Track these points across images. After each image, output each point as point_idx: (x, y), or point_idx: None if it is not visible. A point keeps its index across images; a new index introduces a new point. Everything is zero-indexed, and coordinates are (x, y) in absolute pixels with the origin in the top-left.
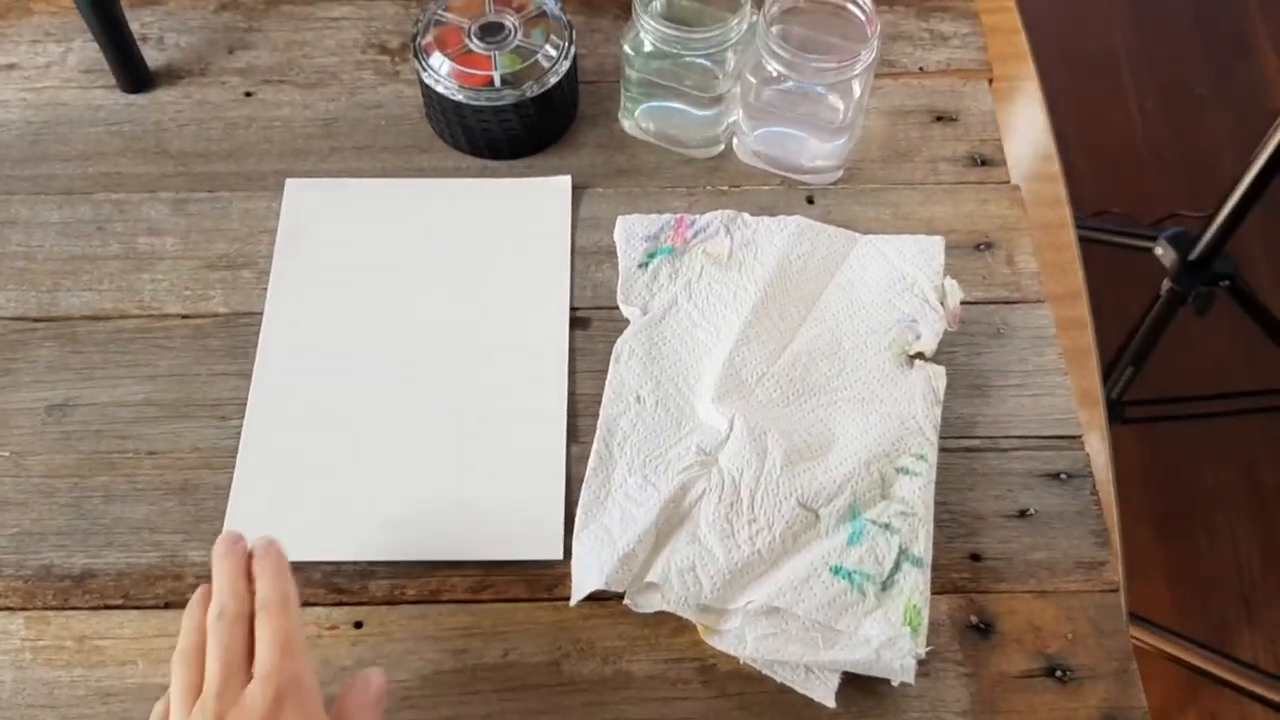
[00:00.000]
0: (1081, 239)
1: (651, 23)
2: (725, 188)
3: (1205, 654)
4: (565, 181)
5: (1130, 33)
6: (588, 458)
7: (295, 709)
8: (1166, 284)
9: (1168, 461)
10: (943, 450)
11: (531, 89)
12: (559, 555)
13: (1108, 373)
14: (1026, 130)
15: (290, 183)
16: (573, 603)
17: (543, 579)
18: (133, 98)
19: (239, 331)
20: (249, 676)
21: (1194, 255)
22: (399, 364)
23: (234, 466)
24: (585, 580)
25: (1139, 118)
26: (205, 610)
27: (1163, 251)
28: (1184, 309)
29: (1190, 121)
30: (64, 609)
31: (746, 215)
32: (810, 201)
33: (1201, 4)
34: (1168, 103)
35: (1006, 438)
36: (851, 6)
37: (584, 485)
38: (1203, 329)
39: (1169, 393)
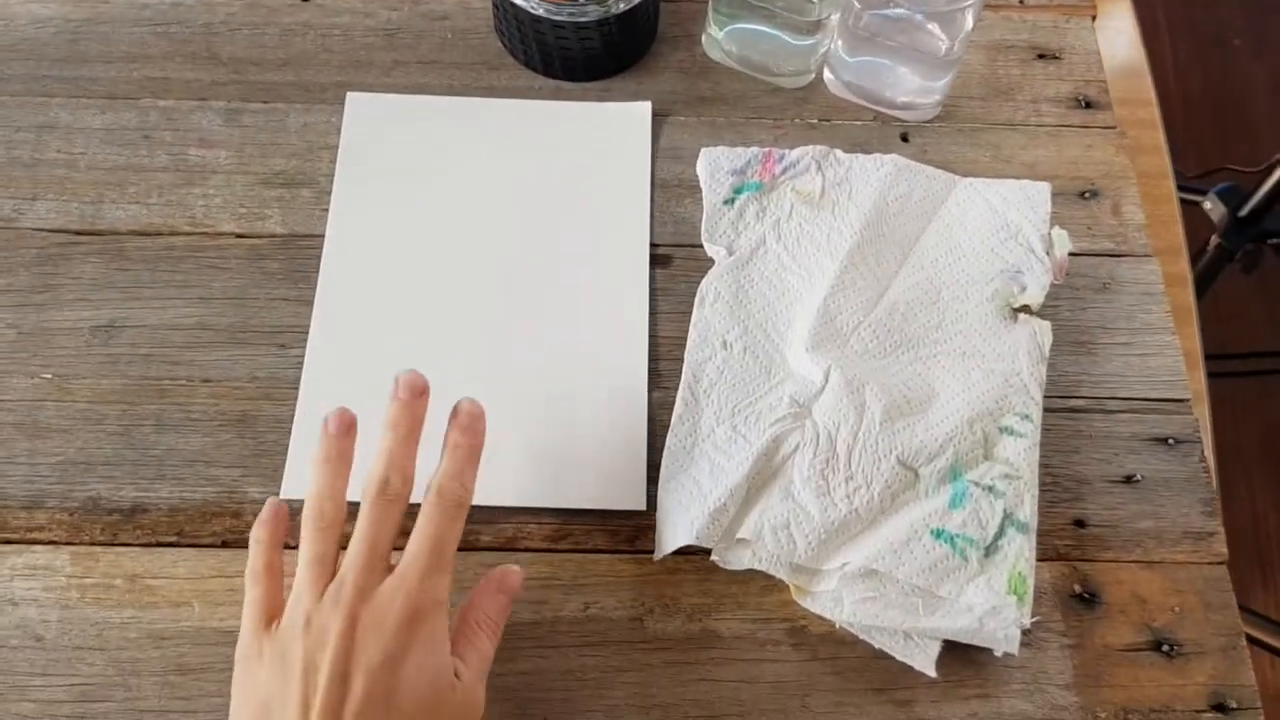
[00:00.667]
0: None
1: None
2: (815, 121)
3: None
4: (645, 108)
5: None
6: (671, 404)
7: (425, 636)
8: (1215, 239)
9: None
10: (1046, 410)
11: (617, 5)
12: (641, 506)
13: None
14: (1123, 72)
15: (352, 96)
16: (657, 557)
17: (624, 530)
18: None
19: (299, 254)
20: (390, 567)
21: (1244, 211)
22: (468, 297)
23: (296, 399)
24: (673, 534)
25: (1172, 68)
26: (334, 481)
27: (1211, 206)
28: (1230, 265)
29: (1225, 73)
30: (113, 545)
31: (839, 152)
32: (905, 139)
33: None
34: (1201, 54)
35: (1113, 399)
36: None
37: (669, 434)
38: (1239, 287)
39: (1208, 350)
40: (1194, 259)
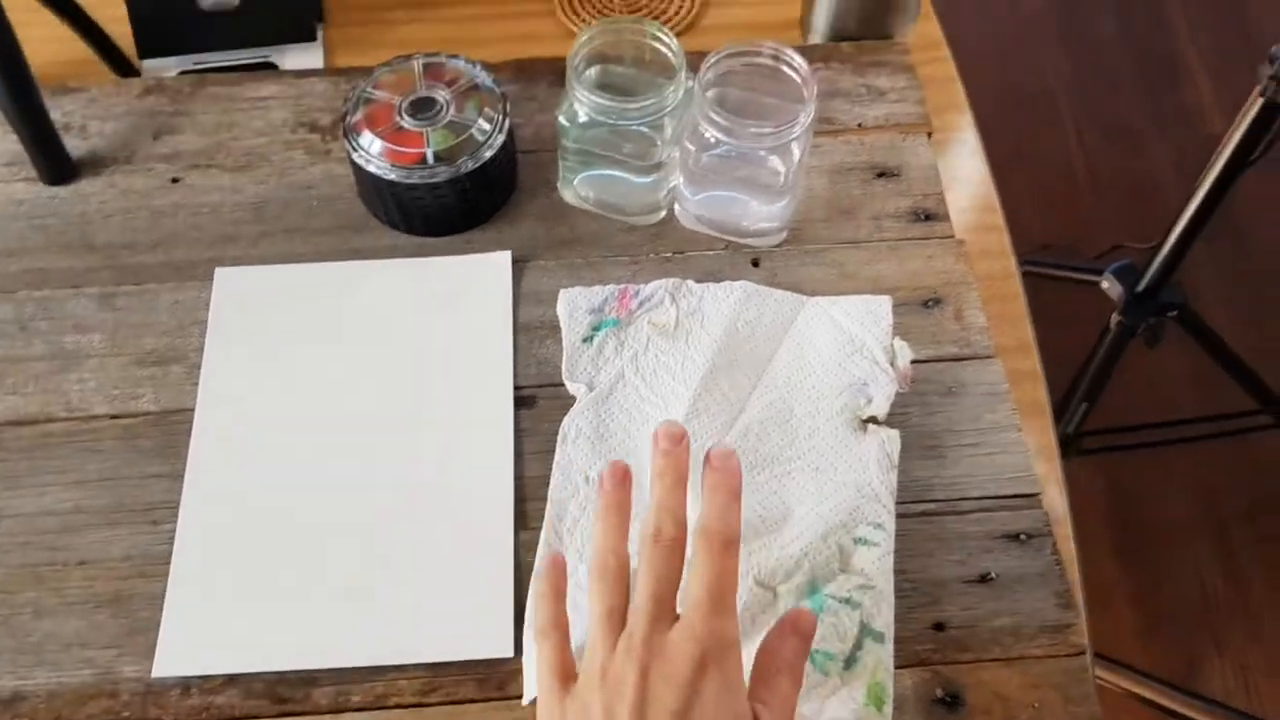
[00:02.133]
0: (1028, 274)
1: (585, 93)
2: (669, 254)
3: (1173, 694)
4: (505, 257)
5: (1065, 66)
6: (537, 545)
7: (717, 676)
8: (1115, 317)
9: (1128, 492)
10: (901, 516)
11: (466, 164)
12: (509, 652)
13: (1062, 408)
14: (967, 181)
15: (220, 271)
16: (525, 701)
17: (493, 677)
18: (56, 189)
19: (171, 430)
20: (675, 616)
21: (1141, 287)
22: (338, 457)
23: (168, 574)
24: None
25: (1079, 150)
26: (616, 534)
27: (1109, 285)
28: (1135, 340)
29: (1130, 152)
30: None
31: (691, 282)
32: (756, 264)
33: (1132, 36)
34: (1107, 134)
35: (964, 499)
36: (786, 69)
37: (533, 575)
38: (1156, 357)
39: (1126, 422)
40: (1099, 338)
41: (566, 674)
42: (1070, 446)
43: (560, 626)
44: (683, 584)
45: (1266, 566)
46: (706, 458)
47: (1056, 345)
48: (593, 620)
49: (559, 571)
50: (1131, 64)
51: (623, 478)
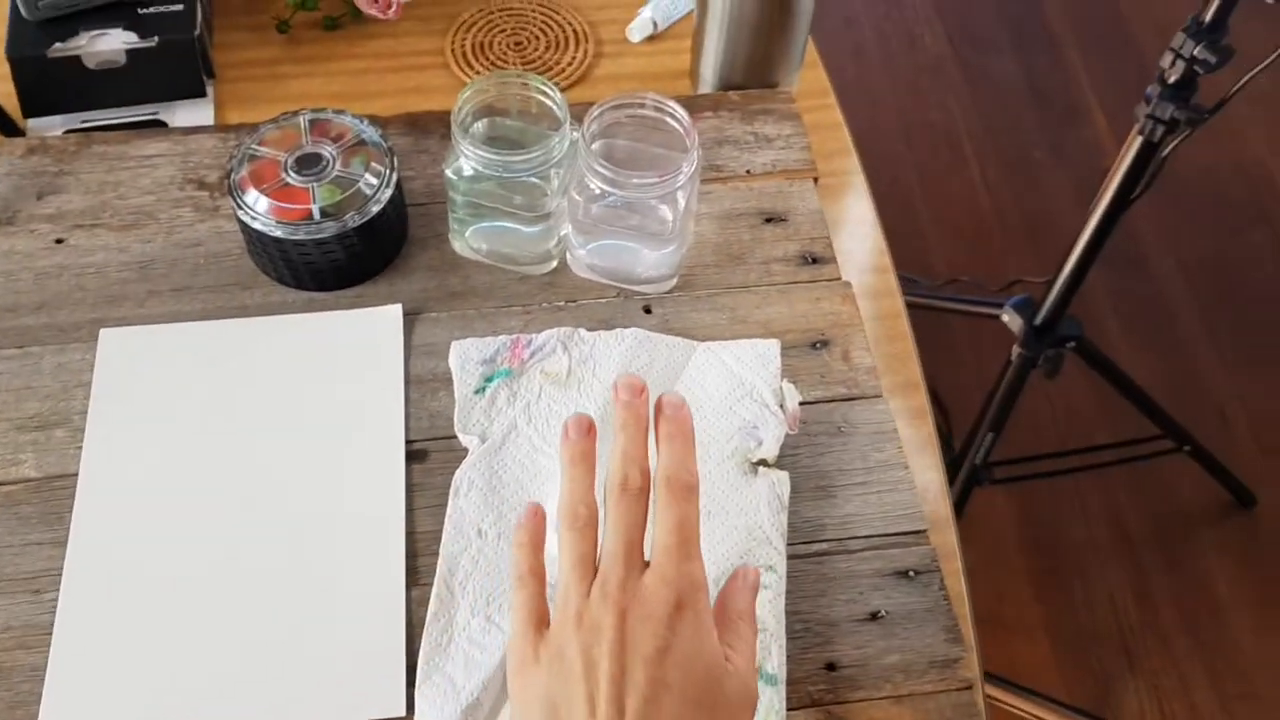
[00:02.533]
0: (934, 309)
1: (470, 147)
2: (562, 303)
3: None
4: (395, 310)
5: (968, 104)
6: (429, 601)
7: (691, 617)
8: (1016, 349)
9: (1038, 519)
10: (793, 557)
11: (353, 219)
12: (400, 712)
13: (970, 438)
14: (857, 223)
15: (104, 333)
16: None
17: None
18: None
19: (53, 496)
20: (645, 562)
21: (1039, 320)
22: (225, 520)
23: (50, 644)
24: None
25: (983, 185)
26: (584, 485)
27: (1009, 318)
28: (1034, 372)
29: (1030, 187)
30: None
31: (583, 331)
32: (648, 311)
33: (1033, 76)
34: (1008, 170)
35: (853, 538)
36: (670, 120)
37: (424, 632)
38: (1061, 385)
39: (1034, 450)
40: (1001, 371)
41: (541, 619)
42: (980, 476)
43: (538, 574)
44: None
45: (1175, 588)
46: (658, 406)
47: (966, 376)
48: (564, 569)
49: (539, 521)
50: (1032, 102)
51: (587, 429)
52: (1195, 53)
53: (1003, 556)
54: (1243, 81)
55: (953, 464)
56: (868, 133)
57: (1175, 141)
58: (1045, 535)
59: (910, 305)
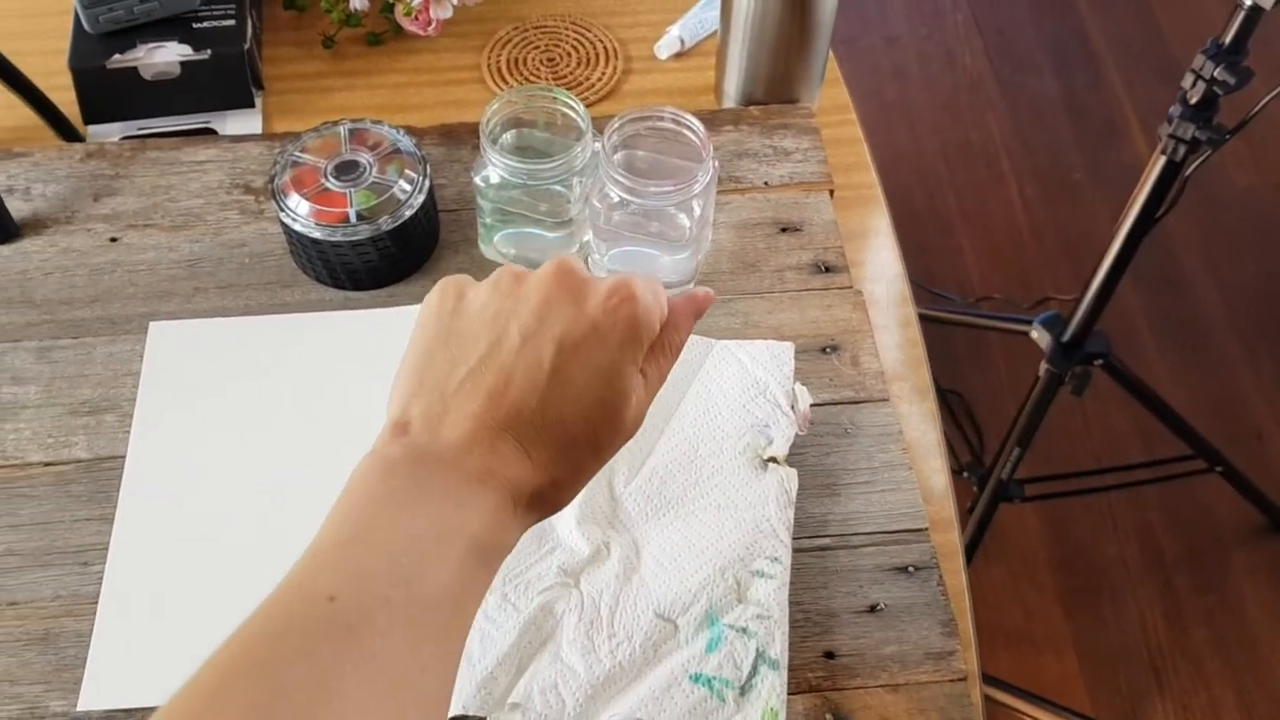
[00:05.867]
0: (968, 325)
1: (497, 156)
2: None
3: None
4: None
5: (1006, 122)
6: None
7: (631, 345)
8: (1044, 366)
9: (1069, 536)
10: (797, 550)
11: (386, 223)
12: None
13: (998, 453)
14: (874, 235)
15: (154, 326)
16: None
17: None
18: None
19: (102, 476)
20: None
21: (1066, 337)
22: (264, 504)
23: (95, 613)
24: None
25: (1020, 203)
26: None
27: (1038, 335)
28: (1062, 389)
29: (1068, 206)
30: None
31: None
32: None
33: (1072, 95)
34: (1046, 189)
35: (856, 534)
36: (687, 132)
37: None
38: (1097, 404)
39: (1069, 468)
40: (1030, 387)
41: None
42: (1008, 491)
43: None
44: None
45: (1206, 609)
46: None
47: (1001, 393)
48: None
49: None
50: (1071, 121)
51: None
52: (1215, 74)
53: (1033, 573)
54: (1263, 103)
55: (980, 480)
56: (907, 151)
57: (1198, 161)
58: (1076, 553)
59: (944, 322)
